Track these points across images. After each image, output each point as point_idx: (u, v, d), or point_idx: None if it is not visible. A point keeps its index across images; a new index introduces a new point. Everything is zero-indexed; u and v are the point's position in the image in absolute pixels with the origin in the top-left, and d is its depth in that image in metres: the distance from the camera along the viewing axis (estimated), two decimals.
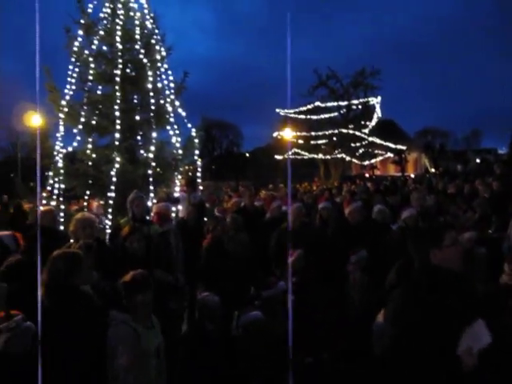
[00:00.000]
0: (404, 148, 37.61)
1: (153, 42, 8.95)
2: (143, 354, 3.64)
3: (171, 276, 5.59)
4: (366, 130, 34.45)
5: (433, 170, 32.11)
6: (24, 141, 32.00)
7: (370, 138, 34.48)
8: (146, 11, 9.03)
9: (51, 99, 8.44)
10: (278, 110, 33.95)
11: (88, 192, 8.45)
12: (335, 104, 35.08)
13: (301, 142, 33.91)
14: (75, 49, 8.54)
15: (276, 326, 4.62)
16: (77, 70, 8.58)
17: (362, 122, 34.88)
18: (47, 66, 8.59)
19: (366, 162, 37.04)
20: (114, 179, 7.50)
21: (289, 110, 31.67)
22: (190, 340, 4.63)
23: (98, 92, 8.59)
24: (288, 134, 22.24)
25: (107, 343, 3.58)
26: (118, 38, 8.36)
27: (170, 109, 8.59)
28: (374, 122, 34.58)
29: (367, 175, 35.68)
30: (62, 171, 7.86)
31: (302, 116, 33.87)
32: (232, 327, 5.11)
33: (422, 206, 7.53)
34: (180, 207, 8.36)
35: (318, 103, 34.63)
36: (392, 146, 36.01)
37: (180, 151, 8.58)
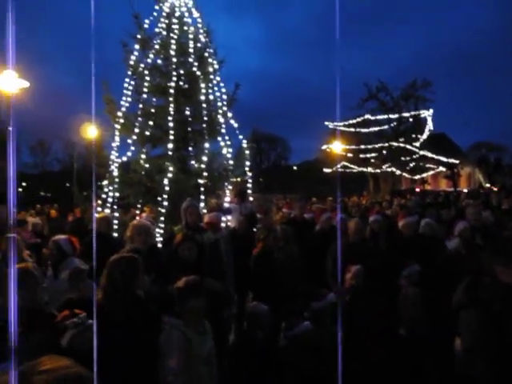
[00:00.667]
0: (456, 162, 36.49)
1: (206, 55, 9.14)
2: (194, 359, 3.66)
3: (221, 284, 5.61)
4: (417, 144, 33.69)
5: (487, 185, 30.95)
6: (80, 151, 33.31)
7: (422, 152, 33.68)
8: (199, 25, 9.26)
9: (108, 111, 8.76)
10: (326, 123, 33.82)
11: (140, 200, 8.69)
12: (385, 117, 34.57)
13: (350, 155, 33.57)
14: (132, 62, 8.84)
15: (325, 338, 4.54)
16: (133, 82, 8.87)
17: (413, 136, 34.14)
18: (105, 80, 8.94)
19: (417, 177, 36.17)
20: (167, 188, 7.65)
21: (338, 123, 31.49)
22: (240, 348, 4.63)
23: (153, 104, 8.83)
24: (337, 147, 22.08)
25: (159, 347, 3.63)
26: (172, 52, 8.60)
27: (221, 120, 8.73)
28: (425, 136, 33.78)
29: (418, 190, 34.82)
30: (116, 180, 8.10)
31: (352, 129, 33.55)
32: (280, 338, 5.06)
33: (478, 221, 7.26)
34: (230, 217, 8.43)
35: (367, 116, 34.24)
36: (444, 159, 35.01)
37: (231, 162, 8.68)
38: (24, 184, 43.81)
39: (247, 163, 8.94)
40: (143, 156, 8.47)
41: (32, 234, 9.45)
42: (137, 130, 8.35)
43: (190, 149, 8.71)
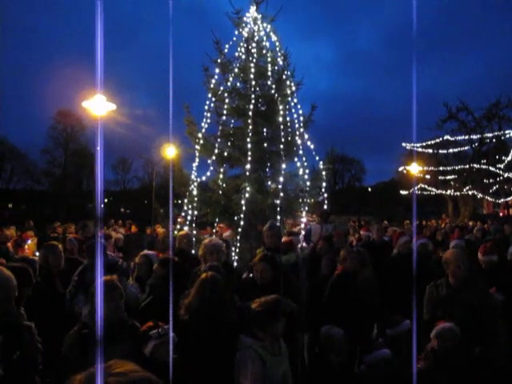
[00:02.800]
0: None
1: (283, 77, 9.29)
2: (268, 381, 3.66)
3: (296, 305, 5.59)
4: (502, 166, 31.91)
5: None
6: (158, 170, 34.74)
7: (506, 174, 31.83)
8: (277, 49, 9.45)
9: (189, 132, 9.12)
10: (404, 144, 32.98)
11: (217, 219, 8.91)
12: (466, 137, 33.13)
13: (428, 177, 32.43)
14: (212, 86, 9.17)
15: (401, 365, 4.39)
16: (212, 105, 9.19)
17: (497, 157, 32.39)
18: (186, 103, 9.34)
19: (501, 200, 34.20)
20: (244, 208, 7.79)
21: (415, 144, 30.60)
22: (314, 372, 4.58)
23: (232, 125, 9.09)
24: (414, 168, 21.40)
25: (235, 366, 3.67)
26: (251, 75, 8.82)
27: (298, 141, 8.79)
28: (510, 157, 31.94)
29: (501, 214, 32.86)
30: (196, 199, 8.36)
31: (430, 150, 32.46)
32: (355, 364, 4.95)
33: None
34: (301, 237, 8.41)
35: (447, 137, 32.99)
36: None
37: (307, 183, 8.69)
38: (106, 200, 46.16)
39: (323, 184, 8.91)
40: (221, 176, 8.70)
41: (115, 249, 9.92)
42: (216, 151, 8.61)
43: (267, 169, 8.85)
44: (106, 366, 1.11)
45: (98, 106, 11.33)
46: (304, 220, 8.63)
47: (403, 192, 34.79)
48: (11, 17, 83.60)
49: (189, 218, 8.58)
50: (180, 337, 3.38)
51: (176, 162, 10.33)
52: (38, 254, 9.70)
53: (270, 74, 9.12)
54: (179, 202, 8.84)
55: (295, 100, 9.29)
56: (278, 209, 7.94)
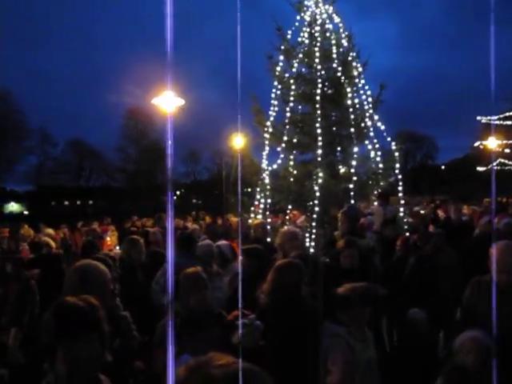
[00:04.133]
0: None
1: (349, 59, 9.11)
2: (355, 367, 3.65)
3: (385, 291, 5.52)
4: None
5: None
6: (227, 160, 35.29)
7: None
8: (341, 30, 9.27)
9: (257, 121, 9.19)
10: (478, 118, 31.30)
11: (290, 206, 8.95)
12: None
13: (507, 150, 30.63)
14: (277, 73, 9.16)
15: None
16: (278, 92, 9.19)
17: None
18: (253, 93, 9.41)
19: None
20: (317, 194, 7.77)
21: (492, 117, 28.95)
22: (397, 356, 4.52)
23: (300, 111, 9.06)
24: (492, 142, 20.25)
25: (320, 355, 3.68)
26: (316, 59, 8.72)
27: (368, 123, 8.62)
28: None
29: None
30: (268, 187, 8.44)
31: (509, 122, 30.59)
32: (439, 348, 4.82)
33: None
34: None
35: None
36: None
37: (380, 165, 8.51)
38: (178, 192, 47.51)
39: (396, 165, 8.69)
40: (291, 163, 8.71)
41: None
42: (285, 138, 8.62)
43: (338, 154, 8.76)
44: (206, 359, 1.13)
45: (167, 102, 11.66)
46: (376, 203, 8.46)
47: (480, 168, 33.10)
48: (81, 19, 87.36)
49: (261, 206, 8.68)
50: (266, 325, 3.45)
51: (244, 151, 10.47)
52: (118, 248, 10.26)
53: (335, 56, 8.98)
54: (249, 190, 8.96)
55: (362, 81, 9.10)
56: (352, 193, 7.85)
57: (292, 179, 8.56)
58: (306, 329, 3.70)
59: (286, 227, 6.06)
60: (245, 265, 4.85)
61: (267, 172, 8.63)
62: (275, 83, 9.23)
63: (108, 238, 10.95)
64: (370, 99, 8.96)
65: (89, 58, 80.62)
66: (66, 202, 49.66)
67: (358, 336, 3.76)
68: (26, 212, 45.60)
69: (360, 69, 9.13)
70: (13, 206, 48.38)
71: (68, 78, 68.24)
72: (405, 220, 8.65)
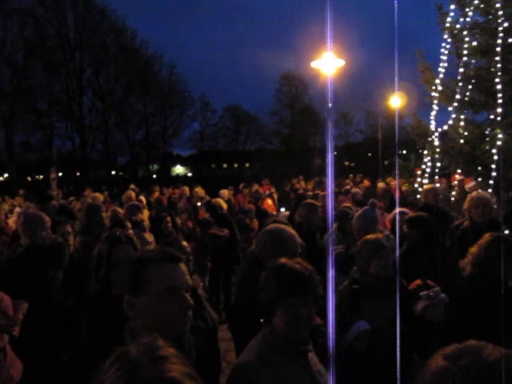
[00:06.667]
0: None
1: None
2: None
3: None
4: None
5: None
6: (383, 122, 34.04)
7: None
8: None
9: (424, 80, 8.61)
10: None
11: (459, 170, 8.30)
12: None
13: None
14: (448, 25, 8.41)
15: None
16: (449, 46, 8.46)
17: None
18: (420, 49, 8.81)
19: None
20: (495, 157, 7.06)
21: None
22: None
23: (474, 66, 8.22)
24: None
25: None
26: (497, 5, 7.75)
27: None
28: None
29: None
30: (437, 150, 7.91)
31: None
32: None
33: None
34: None
35: None
36: None
37: None
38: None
39: None
40: (462, 123, 8.01)
41: (353, 202, 10.07)
42: (457, 96, 7.93)
43: None
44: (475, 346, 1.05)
45: (327, 64, 11.48)
46: None
47: None
48: None
49: (428, 170, 8.20)
50: (455, 298, 3.27)
51: (407, 112, 9.90)
52: (283, 210, 10.57)
53: None
54: (403, 152, 8.52)
55: None
56: None
57: (462, 141, 7.90)
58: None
59: (475, 192, 5.48)
60: (407, 235, 4.61)
61: (436, 134, 8.07)
62: (445, 36, 8.49)
63: (269, 201, 11.31)
64: None
65: (247, 28, 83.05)
66: (225, 165, 52.76)
67: None
68: (189, 174, 49.67)
69: None
70: (178, 169, 52.92)
71: (226, 48, 71.40)
72: None
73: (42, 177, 36.95)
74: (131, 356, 0.94)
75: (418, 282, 3.40)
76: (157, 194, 12.09)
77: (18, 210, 9.37)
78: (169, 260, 1.61)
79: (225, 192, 10.86)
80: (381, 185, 11.68)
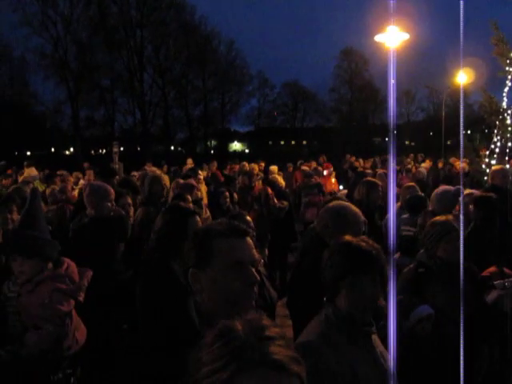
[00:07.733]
0: None
1: None
2: None
3: None
4: None
5: None
6: (447, 99, 32.70)
7: None
8: None
9: (497, 53, 8.11)
10: None
11: None
12: None
13: None
14: None
15: None
16: None
17: None
18: (494, 19, 8.28)
19: None
20: None
21: None
22: None
23: None
24: None
25: None
26: None
27: None
28: None
29: None
30: (509, 129, 7.47)
31: None
32: None
33: None
34: None
35: None
36: None
37: None
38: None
39: None
40: None
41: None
42: None
43: None
44: None
45: (390, 38, 11.05)
46: None
47: None
48: None
49: (497, 150, 7.78)
50: None
51: (476, 88, 9.40)
52: (341, 187, 10.40)
53: None
54: (468, 132, 8.10)
55: None
56: None
57: None
58: None
59: None
60: (474, 215, 4.41)
61: (509, 111, 7.61)
62: None
63: (333, 179, 11.15)
64: None
65: (307, 2, 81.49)
66: (282, 142, 52.54)
67: None
68: (246, 150, 49.91)
69: None
70: (236, 145, 53.28)
71: (284, 25, 70.35)
72: None
73: (104, 151, 38.36)
74: (237, 333, 0.91)
75: (492, 268, 3.23)
76: (214, 168, 12.20)
77: (82, 182, 9.71)
78: (236, 233, 1.58)
79: (274, 168, 10.86)
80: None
